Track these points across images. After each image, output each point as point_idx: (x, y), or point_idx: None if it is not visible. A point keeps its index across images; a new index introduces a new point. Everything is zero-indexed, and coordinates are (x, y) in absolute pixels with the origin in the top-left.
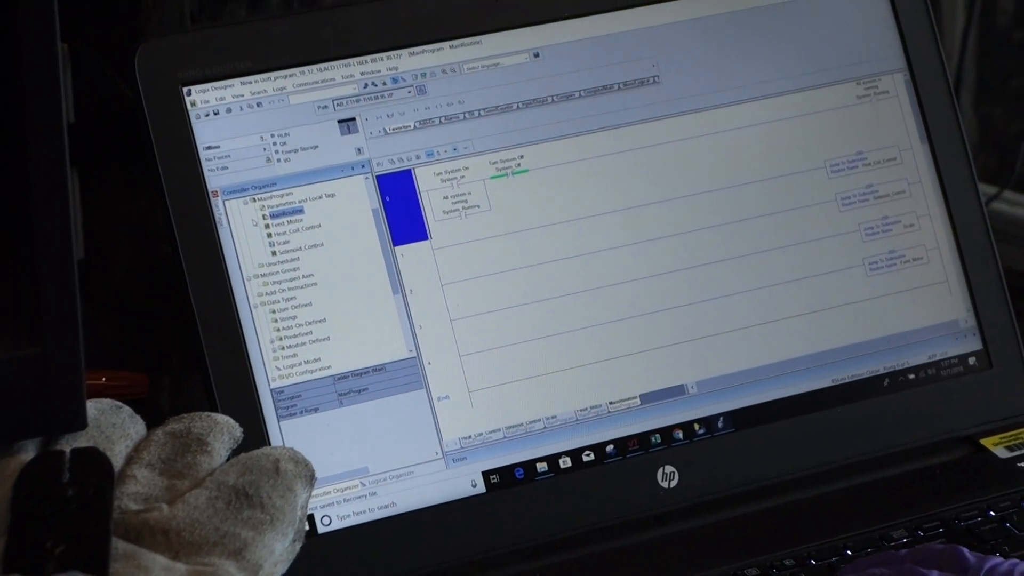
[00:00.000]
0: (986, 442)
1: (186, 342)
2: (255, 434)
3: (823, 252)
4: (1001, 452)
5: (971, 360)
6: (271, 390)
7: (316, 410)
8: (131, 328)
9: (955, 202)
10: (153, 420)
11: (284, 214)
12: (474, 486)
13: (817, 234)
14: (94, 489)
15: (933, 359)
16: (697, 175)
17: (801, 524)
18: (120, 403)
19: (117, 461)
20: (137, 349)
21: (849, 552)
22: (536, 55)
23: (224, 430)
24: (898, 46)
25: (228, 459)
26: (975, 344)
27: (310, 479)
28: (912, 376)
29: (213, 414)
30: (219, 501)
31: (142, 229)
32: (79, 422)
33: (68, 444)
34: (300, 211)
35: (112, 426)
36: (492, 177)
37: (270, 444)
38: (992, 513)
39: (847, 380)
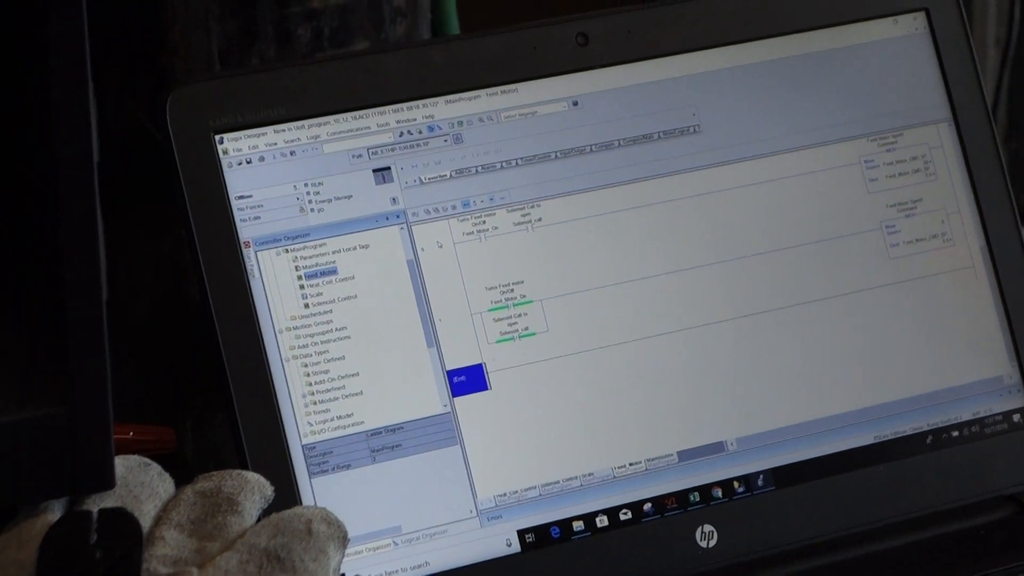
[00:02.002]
0: None
1: (210, 384)
2: (286, 491)
3: (867, 306)
4: None
5: (1015, 417)
6: (303, 446)
7: (348, 466)
8: (153, 370)
9: (1000, 257)
10: (180, 474)
11: (318, 269)
12: (509, 545)
13: (861, 286)
14: (122, 552)
15: (977, 416)
16: (740, 226)
17: None
18: (148, 460)
19: (145, 522)
20: (159, 391)
21: None
22: (575, 103)
23: (255, 489)
24: (943, 95)
25: (259, 519)
26: (1019, 401)
27: (343, 540)
28: (956, 433)
29: (244, 472)
30: (251, 565)
31: (166, 269)
32: (107, 482)
33: (95, 504)
34: (334, 264)
35: (141, 485)
36: (529, 228)
37: (301, 501)
38: None
39: (890, 437)
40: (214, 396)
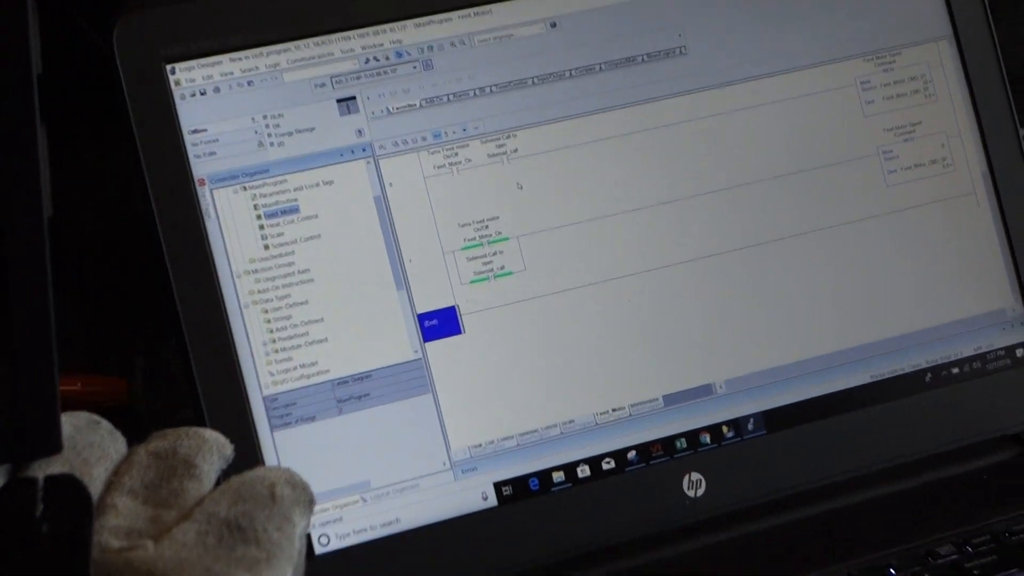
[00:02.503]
0: None
1: (162, 328)
2: (246, 446)
3: (863, 237)
4: None
5: (1019, 352)
6: (263, 397)
7: (313, 419)
8: (100, 312)
9: (1003, 182)
10: (131, 430)
11: (279, 208)
12: (485, 499)
13: (857, 216)
14: (71, 524)
15: (979, 351)
16: (729, 154)
17: (838, 537)
18: (98, 417)
19: (96, 487)
20: (107, 336)
21: (893, 572)
22: (553, 25)
23: (214, 449)
24: (943, 9)
25: (218, 481)
26: (1023, 335)
27: (309, 504)
28: (956, 370)
29: (201, 430)
30: (210, 536)
31: (115, 189)
32: (54, 445)
33: (42, 470)
34: (296, 202)
35: (90, 446)
36: (504, 160)
37: (262, 457)
38: None
39: (887, 376)
40: (167, 343)
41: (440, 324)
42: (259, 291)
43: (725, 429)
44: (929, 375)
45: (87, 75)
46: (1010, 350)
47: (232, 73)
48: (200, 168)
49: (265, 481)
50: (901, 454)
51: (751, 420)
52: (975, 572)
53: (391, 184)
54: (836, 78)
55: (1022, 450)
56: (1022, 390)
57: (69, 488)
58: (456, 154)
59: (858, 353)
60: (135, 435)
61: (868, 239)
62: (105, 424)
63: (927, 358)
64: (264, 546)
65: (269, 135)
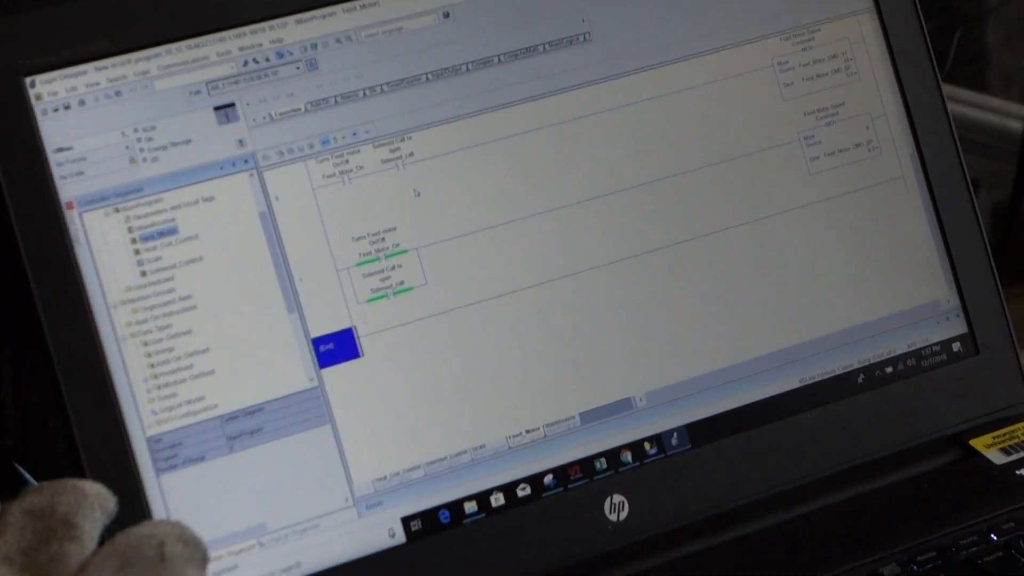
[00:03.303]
0: (977, 443)
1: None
2: (130, 493)
3: (786, 229)
4: (996, 456)
5: (955, 346)
6: (147, 439)
7: (202, 459)
8: None
9: (933, 164)
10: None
11: (155, 230)
12: (392, 536)
13: (779, 208)
14: None
15: (913, 348)
16: (638, 148)
17: (772, 558)
18: None
19: None
20: None
21: None
22: (446, 15)
23: (95, 504)
24: None
25: (102, 539)
26: (959, 327)
27: (202, 562)
28: (890, 369)
29: (80, 483)
30: None
31: None
32: None
33: None
34: (174, 223)
35: None
36: (399, 166)
37: (147, 504)
38: (995, 537)
39: (816, 379)
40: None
41: (336, 348)
42: (137, 322)
43: (647, 446)
44: (862, 376)
45: None
46: (946, 345)
47: (98, 83)
48: (67, 190)
49: (153, 540)
50: (836, 463)
51: (674, 435)
52: None
53: (277, 197)
54: (751, 60)
55: (963, 452)
56: (960, 387)
57: None
58: (347, 161)
59: (785, 356)
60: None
61: (792, 232)
62: None
63: (859, 358)
64: None
65: (142, 150)
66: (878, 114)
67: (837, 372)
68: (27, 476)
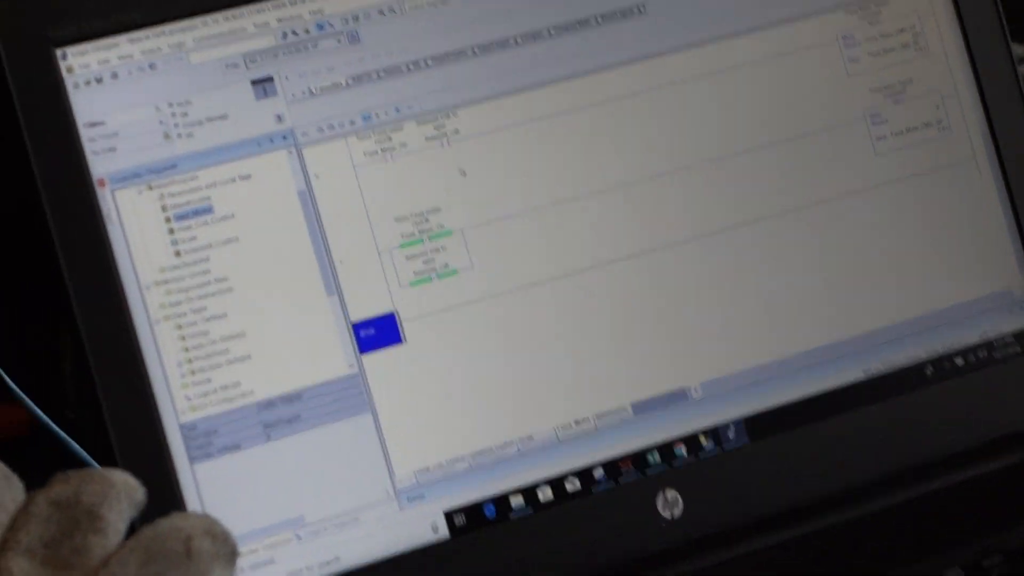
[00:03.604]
0: None
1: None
2: (162, 483)
3: (850, 214)
4: None
5: None
6: (180, 425)
7: (237, 448)
8: None
9: (1007, 145)
10: (33, 466)
11: (190, 208)
12: (435, 530)
13: (843, 191)
14: None
15: (985, 339)
16: (698, 125)
17: (834, 559)
18: None
19: None
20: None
21: None
22: None
23: (122, 495)
24: None
25: (127, 534)
26: None
27: (230, 557)
28: (960, 361)
29: (108, 472)
30: None
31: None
32: None
33: None
34: (209, 202)
35: None
36: (444, 143)
37: (180, 493)
38: None
39: (882, 371)
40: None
41: (378, 333)
42: (171, 304)
43: (703, 439)
44: (930, 368)
45: None
46: (1020, 336)
47: (131, 56)
48: (99, 166)
49: (180, 534)
50: (900, 459)
51: (731, 428)
52: None
53: (317, 176)
54: (815, 34)
55: None
56: None
57: None
58: (389, 139)
59: (849, 347)
60: (37, 474)
61: (856, 216)
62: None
63: (927, 349)
64: None
65: (176, 125)
66: (949, 92)
67: (904, 364)
68: (83, 455)
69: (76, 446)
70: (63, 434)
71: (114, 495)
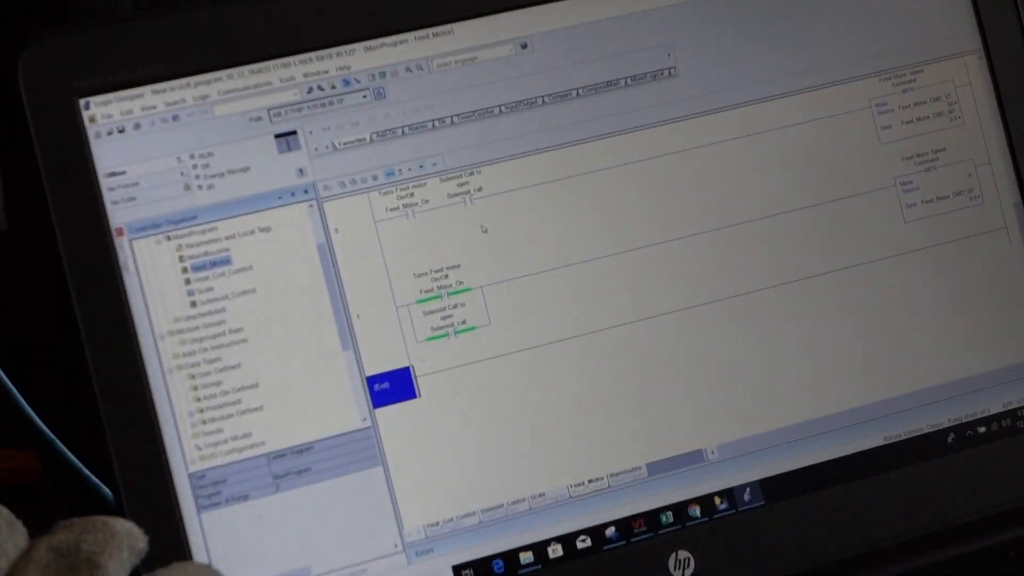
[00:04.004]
0: None
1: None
2: (169, 531)
3: (877, 280)
4: None
5: None
6: (189, 474)
7: (246, 498)
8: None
9: None
10: (39, 511)
11: (208, 260)
12: None
13: (871, 256)
14: None
15: (1008, 407)
16: (725, 189)
17: None
18: None
19: None
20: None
21: None
22: (524, 46)
23: (123, 544)
24: (972, 19)
25: None
26: None
27: None
28: (983, 429)
29: (110, 520)
30: None
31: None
32: None
33: None
34: (227, 253)
35: None
36: (467, 200)
37: (187, 542)
38: None
39: (902, 436)
40: (83, 412)
41: (392, 388)
42: (185, 354)
43: (717, 500)
44: (952, 436)
45: None
46: None
47: (155, 107)
48: (118, 216)
49: None
50: (919, 526)
51: (747, 490)
52: None
53: (337, 230)
54: (847, 100)
55: None
56: None
57: None
58: (412, 194)
59: (870, 412)
60: (42, 518)
61: (883, 282)
62: (4, 513)
63: (949, 416)
64: None
65: (197, 177)
66: (982, 161)
67: (925, 431)
68: (98, 484)
69: (91, 476)
70: (78, 463)
71: (115, 544)
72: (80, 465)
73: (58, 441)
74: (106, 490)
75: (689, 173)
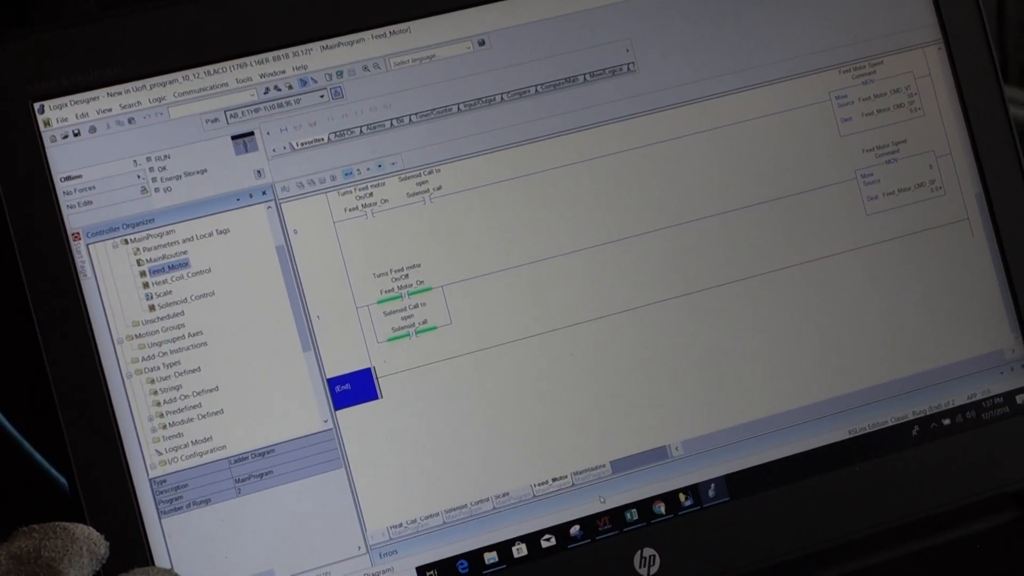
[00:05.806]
0: None
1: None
2: (130, 536)
3: (839, 273)
4: None
5: (1020, 398)
6: (150, 480)
7: (207, 502)
8: None
9: (1001, 207)
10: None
11: (166, 263)
12: None
13: (832, 250)
14: None
15: (973, 399)
16: (686, 184)
17: None
18: None
19: None
20: None
21: None
22: (481, 43)
23: (83, 549)
24: (931, 11)
25: None
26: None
27: None
28: (947, 421)
29: (70, 526)
30: None
31: None
32: None
33: None
34: (185, 256)
35: None
36: (426, 199)
37: (149, 548)
38: None
39: (867, 430)
40: (42, 418)
41: (353, 389)
42: (144, 358)
43: (682, 497)
44: (916, 428)
45: None
46: (1009, 396)
47: (110, 110)
48: (74, 220)
49: None
50: (885, 520)
51: (712, 486)
52: None
53: (295, 231)
54: (807, 93)
55: (1022, 511)
56: (1022, 442)
57: None
58: (370, 194)
59: (834, 406)
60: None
61: (845, 275)
62: None
63: (914, 409)
64: None
65: (154, 179)
66: (943, 152)
67: (890, 424)
68: (57, 475)
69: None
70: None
71: (75, 550)
72: (43, 460)
73: (20, 437)
74: (63, 481)
75: (649, 169)
